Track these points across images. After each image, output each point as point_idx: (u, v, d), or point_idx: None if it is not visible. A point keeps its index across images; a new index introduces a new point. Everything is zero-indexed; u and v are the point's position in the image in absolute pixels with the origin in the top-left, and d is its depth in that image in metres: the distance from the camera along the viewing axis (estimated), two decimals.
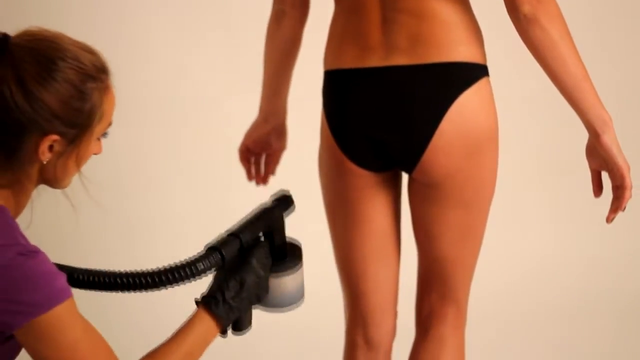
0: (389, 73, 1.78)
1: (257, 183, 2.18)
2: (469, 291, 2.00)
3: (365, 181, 1.89)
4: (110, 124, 1.48)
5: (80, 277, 1.49)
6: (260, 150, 2.14)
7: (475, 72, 1.78)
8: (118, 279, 1.49)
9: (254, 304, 1.59)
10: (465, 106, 1.77)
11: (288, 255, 1.64)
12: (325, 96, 1.88)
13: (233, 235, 1.57)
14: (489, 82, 1.82)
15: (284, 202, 1.65)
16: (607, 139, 1.73)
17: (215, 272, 1.57)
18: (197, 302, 1.54)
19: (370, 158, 1.86)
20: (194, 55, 3.36)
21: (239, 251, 1.57)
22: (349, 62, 1.81)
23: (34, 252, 1.36)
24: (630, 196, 1.76)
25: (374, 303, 1.98)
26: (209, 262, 1.52)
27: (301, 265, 1.65)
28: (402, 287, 2.02)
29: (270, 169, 2.16)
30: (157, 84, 3.30)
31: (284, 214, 1.64)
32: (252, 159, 2.16)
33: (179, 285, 1.52)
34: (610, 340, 3.08)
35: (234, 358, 2.85)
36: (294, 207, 1.67)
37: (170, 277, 1.50)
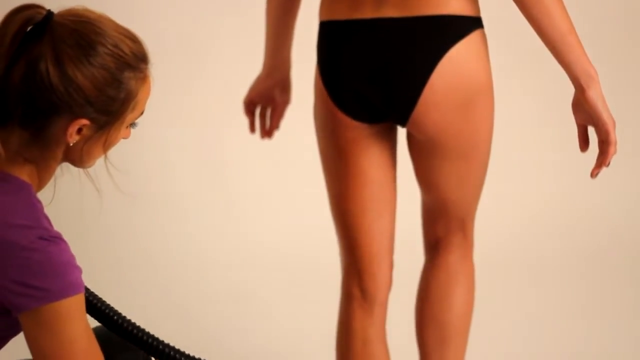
0: (379, 25, 1.79)
1: (262, 137, 2.21)
2: (474, 219, 2.03)
3: (358, 133, 1.90)
4: (142, 113, 1.47)
5: (117, 319, 1.50)
6: (265, 104, 2.17)
7: (466, 25, 1.80)
8: (154, 343, 1.49)
9: None
10: (456, 59, 1.78)
11: None
12: (318, 47, 1.90)
13: None
14: (482, 34, 1.83)
15: None
16: (592, 93, 1.73)
17: None
18: None
19: (362, 110, 1.87)
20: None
21: None
22: (342, 13, 1.83)
23: (56, 239, 1.36)
24: (615, 152, 1.75)
25: (370, 254, 1.98)
26: None
27: None
28: (397, 238, 2.04)
29: (275, 123, 2.19)
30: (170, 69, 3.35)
31: None
32: (257, 112, 2.18)
33: None
34: (607, 290, 3.15)
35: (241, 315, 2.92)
36: None
37: None
